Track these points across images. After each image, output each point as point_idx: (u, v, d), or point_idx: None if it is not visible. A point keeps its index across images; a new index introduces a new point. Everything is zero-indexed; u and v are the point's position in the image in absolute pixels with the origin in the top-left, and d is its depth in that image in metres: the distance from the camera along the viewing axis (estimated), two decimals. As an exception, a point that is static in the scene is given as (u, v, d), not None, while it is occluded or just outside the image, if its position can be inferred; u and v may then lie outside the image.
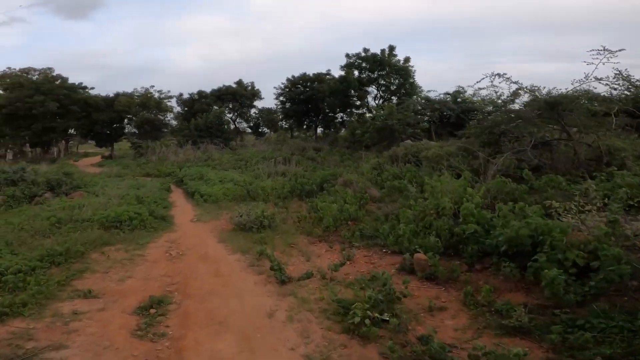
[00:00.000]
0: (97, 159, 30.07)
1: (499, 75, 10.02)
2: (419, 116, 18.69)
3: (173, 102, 32.54)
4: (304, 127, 34.01)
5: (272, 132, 38.31)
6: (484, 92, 18.23)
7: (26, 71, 32.09)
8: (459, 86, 19.25)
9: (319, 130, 34.12)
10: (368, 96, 27.04)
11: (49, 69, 31.17)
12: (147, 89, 31.45)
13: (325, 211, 7.66)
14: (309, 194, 11.35)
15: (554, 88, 9.48)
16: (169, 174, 17.83)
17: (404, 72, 25.14)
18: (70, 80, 29.81)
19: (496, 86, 16.77)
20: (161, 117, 32.14)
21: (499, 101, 18.35)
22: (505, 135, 10.06)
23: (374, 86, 26.81)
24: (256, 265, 6.21)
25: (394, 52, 25.50)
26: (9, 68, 32.07)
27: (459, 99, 18.54)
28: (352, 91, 26.97)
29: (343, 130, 32.06)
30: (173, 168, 18.58)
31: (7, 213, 9.70)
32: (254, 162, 18.55)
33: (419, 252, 5.77)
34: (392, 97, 26.19)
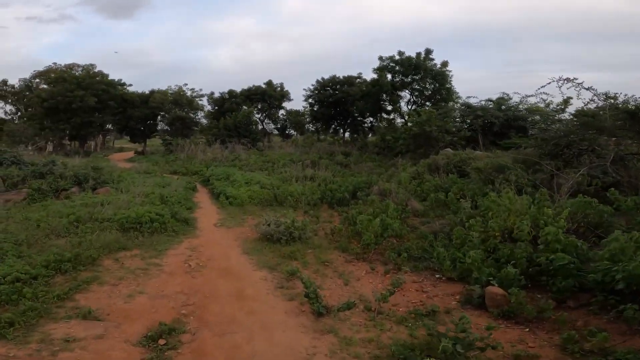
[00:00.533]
0: (131, 154, 30.28)
1: (567, 80, 8.63)
2: (459, 123, 17.21)
3: (204, 101, 32.39)
4: (332, 130, 33.00)
5: (298, 135, 37.58)
6: (532, 100, 16.78)
7: (71, 67, 32.92)
8: (503, 93, 17.63)
9: (346, 134, 33.01)
10: (401, 101, 25.67)
11: (92, 65, 31.81)
12: (180, 87, 31.53)
13: (365, 225, 6.54)
14: (341, 202, 10.26)
15: (632, 96, 7.98)
16: (196, 173, 17.23)
17: (440, 77, 23.62)
18: (111, 77, 30.25)
19: (546, 93, 15.20)
20: (192, 115, 32.04)
21: (548, 109, 16.83)
22: (571, 147, 8.60)
23: (407, 91, 25.43)
24: (286, 287, 5.17)
25: (430, 56, 24.07)
26: (55, 63, 33.07)
27: (503, 107, 16.91)
28: (384, 95, 25.71)
29: (370, 136, 30.85)
30: (200, 167, 17.98)
31: (30, 208, 9.17)
32: (281, 165, 17.66)
33: (492, 284, 4.55)
34: (427, 103, 24.73)
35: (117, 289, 4.98)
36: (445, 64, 24.02)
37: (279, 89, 33.01)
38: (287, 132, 38.48)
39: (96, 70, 30.98)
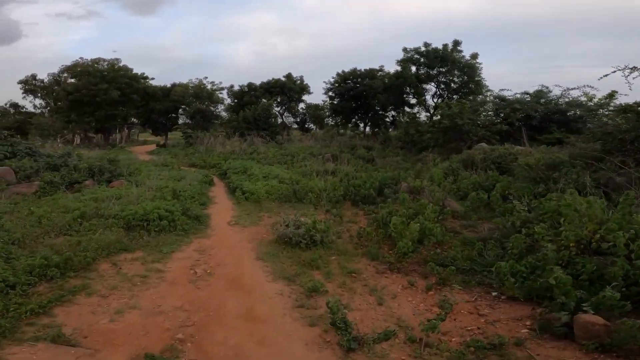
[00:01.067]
0: (153, 146, 30.12)
1: (634, 68, 7.21)
2: (492, 117, 15.69)
3: (225, 94, 31.78)
4: (352, 124, 31.76)
5: (317, 129, 36.52)
6: (575, 93, 15.09)
7: (96, 61, 32.96)
8: (542, 85, 15.91)
9: (367, 128, 31.68)
10: (426, 94, 24.12)
11: (117, 59, 31.70)
12: (200, 80, 30.97)
13: (399, 229, 5.44)
14: (366, 200, 9.17)
15: None
16: (214, 166, 16.50)
17: (469, 69, 21.94)
18: (134, 71, 30.02)
19: (590, 87, 13.47)
20: (212, 109, 31.49)
21: (591, 104, 15.06)
22: (635, 143, 7.17)
23: (432, 83, 23.85)
24: (307, 305, 4.17)
25: (458, 48, 22.39)
26: (81, 58, 33.21)
27: (542, 100, 15.25)
28: (408, 88, 24.23)
29: (391, 130, 29.41)
30: (219, 159, 17.24)
31: (39, 201, 8.55)
32: (300, 158, 16.69)
33: (584, 310, 3.41)
34: (454, 96, 23.11)
35: (106, 301, 4.12)
36: (475, 55, 22.29)
37: (298, 82, 31.97)
38: (306, 125, 37.48)
39: (121, 64, 30.89)
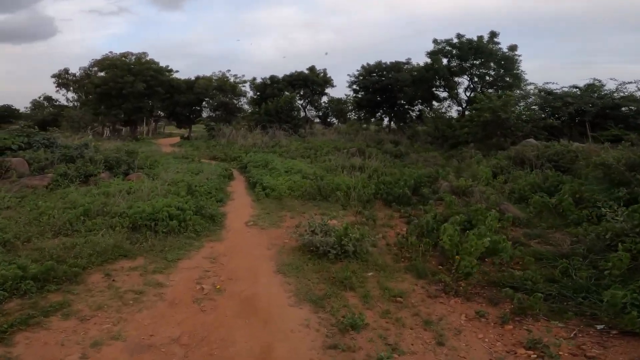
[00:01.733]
0: (177, 139, 29.88)
1: None
2: (537, 111, 13.96)
3: (247, 87, 31.03)
4: (376, 118, 30.31)
5: (340, 123, 35.27)
6: (630, 88, 13.22)
7: (125, 55, 33.02)
8: (594, 79, 13.99)
9: (391, 122, 30.10)
10: (458, 87, 22.34)
11: (144, 53, 31.53)
12: (223, 73, 30.29)
13: (455, 241, 4.23)
14: (400, 200, 7.95)
15: None
16: (235, 159, 15.66)
17: (508, 61, 20.04)
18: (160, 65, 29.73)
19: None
20: (235, 101, 30.82)
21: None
22: None
23: (465, 76, 22.04)
24: (342, 346, 3.06)
25: (495, 39, 20.49)
26: (111, 52, 33.34)
27: (594, 94, 13.37)
28: (439, 81, 22.52)
29: (416, 124, 27.72)
30: (240, 152, 16.40)
31: (48, 195, 7.86)
32: (324, 152, 15.58)
33: None
34: (489, 90, 21.28)
35: (84, 327, 3.18)
36: (513, 47, 20.33)
37: (321, 74, 30.75)
38: (328, 120, 36.28)
39: (148, 58, 30.70)
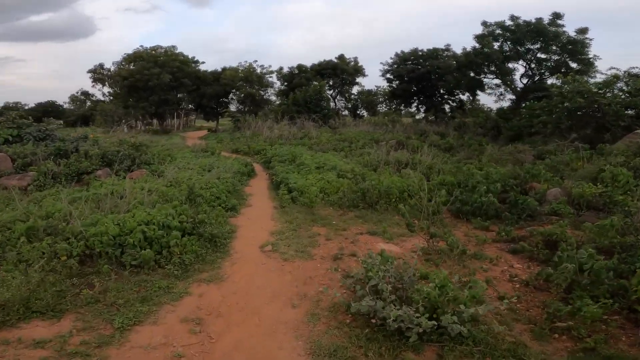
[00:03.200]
0: (206, 132, 28.40)
1: None
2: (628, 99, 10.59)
3: (274, 78, 28.82)
4: (411, 108, 27.17)
5: (369, 115, 32.32)
6: None
7: (154, 50, 31.85)
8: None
9: (424, 113, 26.80)
10: (513, 74, 18.82)
11: (173, 47, 30.08)
12: (250, 64, 28.22)
13: None
14: (485, 212, 5.33)
15: None
16: (259, 152, 13.48)
17: (574, 45, 16.36)
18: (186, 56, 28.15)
19: None
20: (262, 93, 28.73)
21: None
22: None
23: (520, 61, 18.48)
24: None
25: (558, 21, 16.82)
26: (141, 46, 32.25)
27: None
28: (490, 66, 19.04)
29: (457, 114, 24.29)
30: (264, 145, 14.19)
31: (14, 201, 5.97)
32: (360, 145, 13.05)
33: None
34: (550, 76, 17.68)
35: None
36: (583, 30, 16.55)
37: (352, 63, 27.91)
38: (358, 112, 33.43)
39: (176, 52, 29.23)
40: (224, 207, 5.89)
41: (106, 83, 38.32)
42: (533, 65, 18.31)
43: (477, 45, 18.82)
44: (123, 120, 31.15)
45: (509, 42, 18.21)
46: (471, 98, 23.81)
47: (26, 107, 50.21)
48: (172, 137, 22.37)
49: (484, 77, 19.90)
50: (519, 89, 18.51)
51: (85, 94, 41.43)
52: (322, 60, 27.50)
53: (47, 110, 46.55)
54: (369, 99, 32.52)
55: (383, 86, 31.16)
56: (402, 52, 26.19)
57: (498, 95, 19.39)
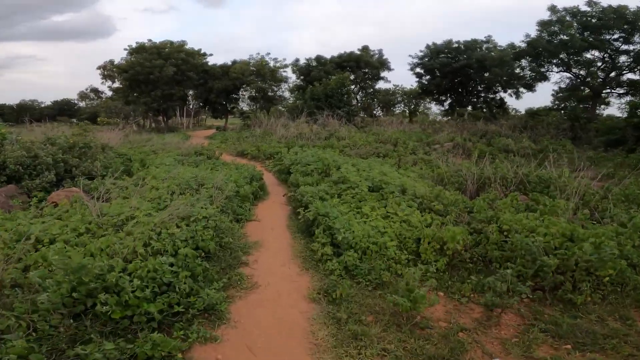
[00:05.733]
0: (214, 131, 24.74)
1: None
2: None
3: (289, 73, 24.86)
4: (445, 106, 22.97)
5: (384, 115, 28.11)
6: None
7: (164, 45, 28.25)
8: None
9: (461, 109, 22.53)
10: (593, 65, 14.45)
11: (183, 41, 26.40)
12: (262, 56, 24.30)
13: None
14: None
15: None
16: (271, 156, 9.60)
17: None
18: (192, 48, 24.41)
19: None
20: (275, 88, 24.77)
21: None
22: None
23: (595, 52, 14.15)
24: None
25: None
26: (149, 40, 28.66)
27: None
28: (566, 56, 14.69)
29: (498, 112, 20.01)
30: (278, 147, 10.27)
31: None
32: (409, 148, 9.08)
33: None
34: (630, 70, 13.39)
35: None
36: None
37: (376, 56, 23.80)
38: (374, 111, 29.27)
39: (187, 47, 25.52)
40: (201, 277, 2.00)
41: (115, 80, 35.02)
42: (613, 55, 14.02)
43: (532, 34, 14.62)
44: (130, 118, 27.64)
45: (583, 31, 13.95)
46: (519, 93, 19.48)
47: (42, 105, 47.68)
48: (176, 136, 18.70)
49: (547, 71, 15.58)
50: (596, 83, 14.20)
51: (95, 90, 38.21)
52: (343, 52, 23.48)
53: (63, 108, 43.82)
54: (386, 98, 28.36)
55: (401, 85, 27.17)
56: (434, 43, 22.05)
57: (572, 90, 14.98)
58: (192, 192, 4.46)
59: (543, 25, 14.59)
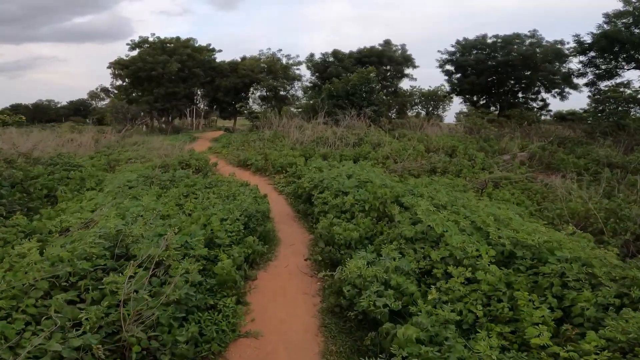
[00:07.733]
0: (222, 132, 22.30)
1: None
2: None
3: (303, 70, 22.18)
4: (477, 106, 19.91)
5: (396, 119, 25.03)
6: None
7: (170, 41, 26.01)
8: None
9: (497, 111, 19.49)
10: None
11: (192, 39, 24.08)
12: (274, 52, 21.69)
13: None
14: None
15: None
16: (283, 169, 6.91)
17: None
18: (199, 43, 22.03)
19: None
20: (287, 87, 22.09)
21: None
22: None
23: None
24: None
25: None
26: (153, 34, 26.48)
27: None
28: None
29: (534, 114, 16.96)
30: (293, 155, 7.57)
31: None
32: (477, 161, 6.26)
33: None
34: None
35: None
36: None
37: (400, 51, 20.91)
38: (390, 113, 26.22)
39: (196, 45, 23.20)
40: None
41: (126, 79, 33.04)
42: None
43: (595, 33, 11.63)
44: (138, 119, 25.45)
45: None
46: (558, 96, 16.41)
47: (59, 105, 46.47)
48: (176, 138, 16.27)
49: (616, 68, 12.51)
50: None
51: (105, 90, 36.37)
52: (362, 47, 20.69)
53: (78, 109, 42.48)
54: (402, 99, 25.34)
55: (419, 86, 24.18)
56: (465, 39, 19.11)
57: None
58: (88, 287, 1.82)
59: (616, 16, 11.63)
